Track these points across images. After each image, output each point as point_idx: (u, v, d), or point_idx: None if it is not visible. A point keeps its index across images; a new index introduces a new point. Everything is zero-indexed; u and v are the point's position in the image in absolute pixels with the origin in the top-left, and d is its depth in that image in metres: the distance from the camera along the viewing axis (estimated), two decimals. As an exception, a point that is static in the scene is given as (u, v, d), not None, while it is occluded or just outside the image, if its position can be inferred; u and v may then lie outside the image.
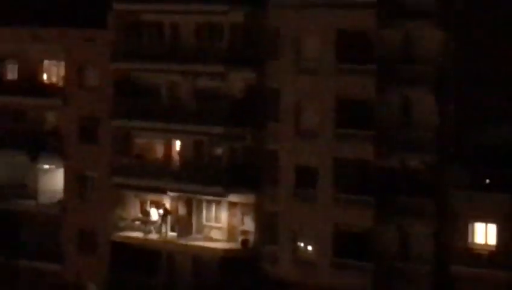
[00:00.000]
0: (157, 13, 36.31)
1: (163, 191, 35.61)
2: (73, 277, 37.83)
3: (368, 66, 30.81)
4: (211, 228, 35.46)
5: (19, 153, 38.93)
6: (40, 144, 39.07)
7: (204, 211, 35.52)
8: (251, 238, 33.89)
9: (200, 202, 35.34)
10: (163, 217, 35.60)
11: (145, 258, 36.17)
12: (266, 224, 33.56)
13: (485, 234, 27.92)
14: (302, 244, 32.89)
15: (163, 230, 35.40)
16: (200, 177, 34.38)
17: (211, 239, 35.06)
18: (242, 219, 34.68)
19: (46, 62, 40.00)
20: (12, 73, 40.87)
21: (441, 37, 29.13)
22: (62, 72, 39.25)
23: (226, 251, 34.02)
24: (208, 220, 35.66)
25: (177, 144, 36.21)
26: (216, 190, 33.59)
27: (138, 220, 37.11)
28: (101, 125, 37.21)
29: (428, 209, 28.86)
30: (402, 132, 29.91)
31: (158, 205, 36.14)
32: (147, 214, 36.56)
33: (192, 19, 35.94)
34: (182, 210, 35.95)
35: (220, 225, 34.91)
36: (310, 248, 32.71)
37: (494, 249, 27.60)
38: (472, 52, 29.46)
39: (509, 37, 30.03)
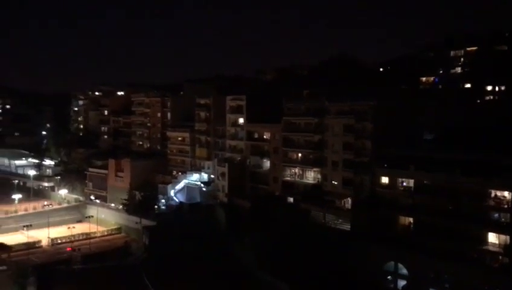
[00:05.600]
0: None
1: (293, 167, 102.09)
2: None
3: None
4: (307, 176, 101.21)
5: (257, 156, 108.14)
6: (264, 154, 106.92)
7: (307, 172, 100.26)
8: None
9: (305, 169, 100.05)
10: (295, 173, 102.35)
11: (289, 185, 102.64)
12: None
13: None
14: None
15: (295, 177, 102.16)
16: (304, 163, 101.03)
17: (307, 179, 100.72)
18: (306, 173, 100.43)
19: (265, 134, 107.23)
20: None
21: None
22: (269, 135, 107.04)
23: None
24: (307, 174, 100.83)
25: (299, 155, 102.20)
26: (306, 167, 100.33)
27: (289, 174, 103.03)
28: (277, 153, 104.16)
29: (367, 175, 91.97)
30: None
31: (293, 169, 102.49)
32: (291, 172, 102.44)
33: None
34: (300, 171, 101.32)
35: (312, 175, 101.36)
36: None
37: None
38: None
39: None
